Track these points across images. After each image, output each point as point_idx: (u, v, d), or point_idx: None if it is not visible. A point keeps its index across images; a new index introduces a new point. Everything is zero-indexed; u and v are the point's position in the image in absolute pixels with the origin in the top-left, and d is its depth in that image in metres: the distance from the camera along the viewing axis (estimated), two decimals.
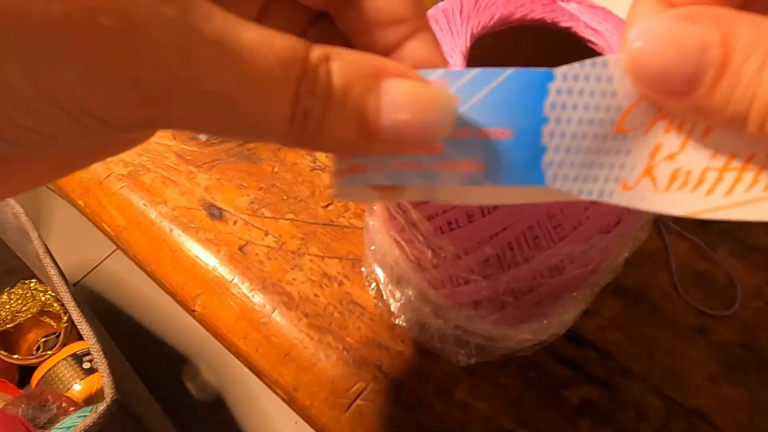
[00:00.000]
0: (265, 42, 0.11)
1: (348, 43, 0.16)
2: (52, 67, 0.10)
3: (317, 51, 0.12)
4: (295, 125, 0.12)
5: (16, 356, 0.82)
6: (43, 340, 0.85)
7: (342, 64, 0.12)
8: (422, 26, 0.15)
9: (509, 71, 0.13)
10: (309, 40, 0.13)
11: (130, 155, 0.40)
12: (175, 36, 0.11)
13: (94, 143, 0.13)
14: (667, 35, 0.12)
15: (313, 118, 0.12)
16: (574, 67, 0.13)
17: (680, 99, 0.12)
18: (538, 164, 0.13)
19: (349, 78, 0.12)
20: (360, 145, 0.13)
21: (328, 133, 0.12)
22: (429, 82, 0.13)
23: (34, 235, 0.64)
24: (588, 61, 0.13)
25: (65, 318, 0.83)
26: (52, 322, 0.85)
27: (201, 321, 0.34)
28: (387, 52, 0.15)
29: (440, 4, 0.23)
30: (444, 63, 0.15)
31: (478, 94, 0.13)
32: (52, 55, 0.10)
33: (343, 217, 0.36)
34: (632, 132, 0.13)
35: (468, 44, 0.21)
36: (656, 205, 0.13)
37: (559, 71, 0.13)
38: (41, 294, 0.84)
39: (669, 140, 0.13)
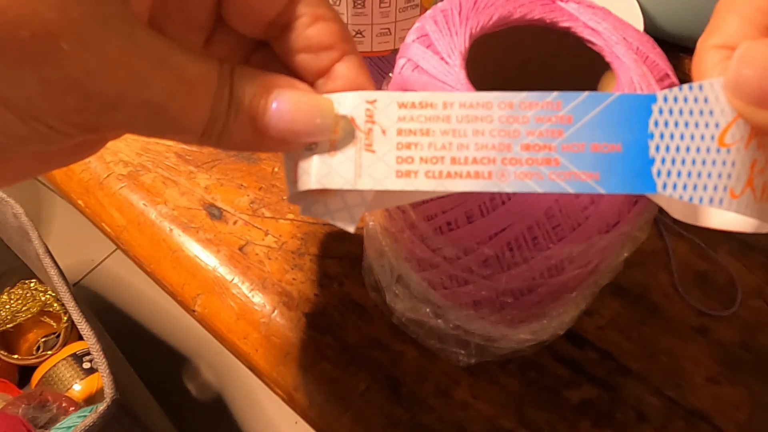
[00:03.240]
0: (191, 62, 0.14)
1: (285, 67, 0.18)
2: (13, 81, 0.12)
3: (226, 68, 0.15)
4: (209, 127, 0.15)
5: (16, 356, 0.82)
6: (43, 340, 0.85)
7: (242, 78, 0.15)
8: (348, 51, 0.17)
9: (616, 94, 0.15)
10: (251, 65, 0.16)
11: (130, 155, 0.40)
12: (124, 56, 0.13)
13: (43, 148, 0.15)
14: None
15: (220, 121, 0.15)
16: (674, 90, 0.14)
17: None
18: (648, 174, 0.14)
19: (247, 88, 0.15)
20: (256, 143, 0.16)
21: (231, 132, 0.15)
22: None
23: (34, 235, 0.64)
24: (685, 86, 0.14)
25: (65, 318, 0.83)
26: (52, 322, 0.85)
27: (201, 321, 0.34)
28: (319, 74, 0.17)
29: (439, 4, 0.23)
30: (369, 82, 0.17)
31: (588, 114, 0.15)
32: (15, 70, 0.12)
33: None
34: (734, 146, 0.14)
35: (467, 44, 0.21)
36: (756, 213, 0.15)
37: (660, 94, 0.14)
38: (41, 294, 0.84)
39: (761, 155, 0.15)
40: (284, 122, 0.15)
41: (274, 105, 0.15)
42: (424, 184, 0.15)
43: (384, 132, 0.15)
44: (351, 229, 0.17)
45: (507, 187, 0.15)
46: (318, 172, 0.16)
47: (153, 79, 0.14)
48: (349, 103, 0.16)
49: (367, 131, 0.15)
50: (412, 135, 0.15)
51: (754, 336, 0.33)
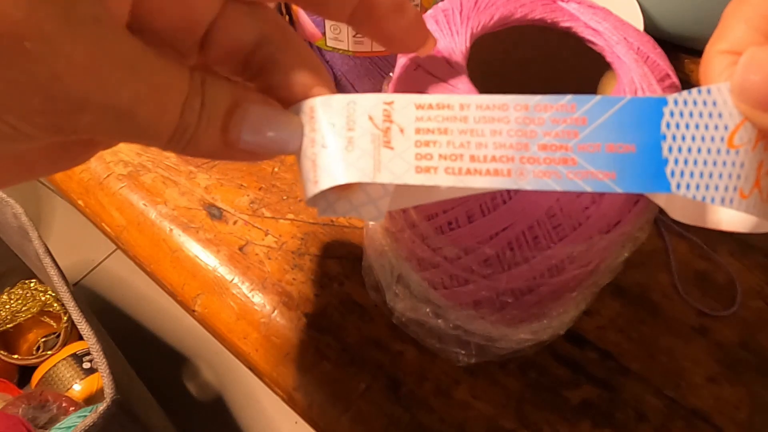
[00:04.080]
0: (162, 69, 0.14)
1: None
2: None
3: (197, 77, 0.15)
4: (177, 133, 0.15)
5: (16, 356, 0.82)
6: (43, 340, 0.85)
7: (214, 89, 0.15)
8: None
9: (628, 98, 0.15)
10: (251, 65, 0.17)
11: (130, 155, 0.40)
12: (93, 60, 0.13)
13: (8, 147, 0.15)
14: None
15: (190, 129, 0.15)
16: (683, 94, 0.15)
17: None
18: (662, 174, 0.15)
19: (219, 99, 0.15)
20: (224, 153, 0.16)
21: (199, 141, 0.15)
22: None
23: (34, 235, 0.64)
24: (694, 90, 0.15)
25: (65, 318, 0.83)
26: (52, 322, 0.85)
27: (201, 321, 0.34)
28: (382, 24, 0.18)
29: (440, 4, 0.23)
30: (408, 5, 0.18)
31: (602, 116, 0.15)
32: None
33: (343, 217, 0.36)
34: (743, 147, 0.15)
35: (468, 44, 0.21)
36: (763, 213, 0.15)
37: (671, 97, 0.15)
38: (41, 294, 0.84)
39: (767, 158, 0.15)
40: (253, 135, 0.16)
41: (244, 118, 0.16)
42: (444, 179, 0.15)
43: (402, 131, 0.16)
44: (379, 221, 0.17)
45: (526, 184, 0.15)
46: (337, 168, 0.16)
47: (121, 85, 0.13)
48: (367, 103, 0.16)
49: (385, 129, 0.16)
50: (430, 134, 0.15)
51: (754, 336, 0.33)
